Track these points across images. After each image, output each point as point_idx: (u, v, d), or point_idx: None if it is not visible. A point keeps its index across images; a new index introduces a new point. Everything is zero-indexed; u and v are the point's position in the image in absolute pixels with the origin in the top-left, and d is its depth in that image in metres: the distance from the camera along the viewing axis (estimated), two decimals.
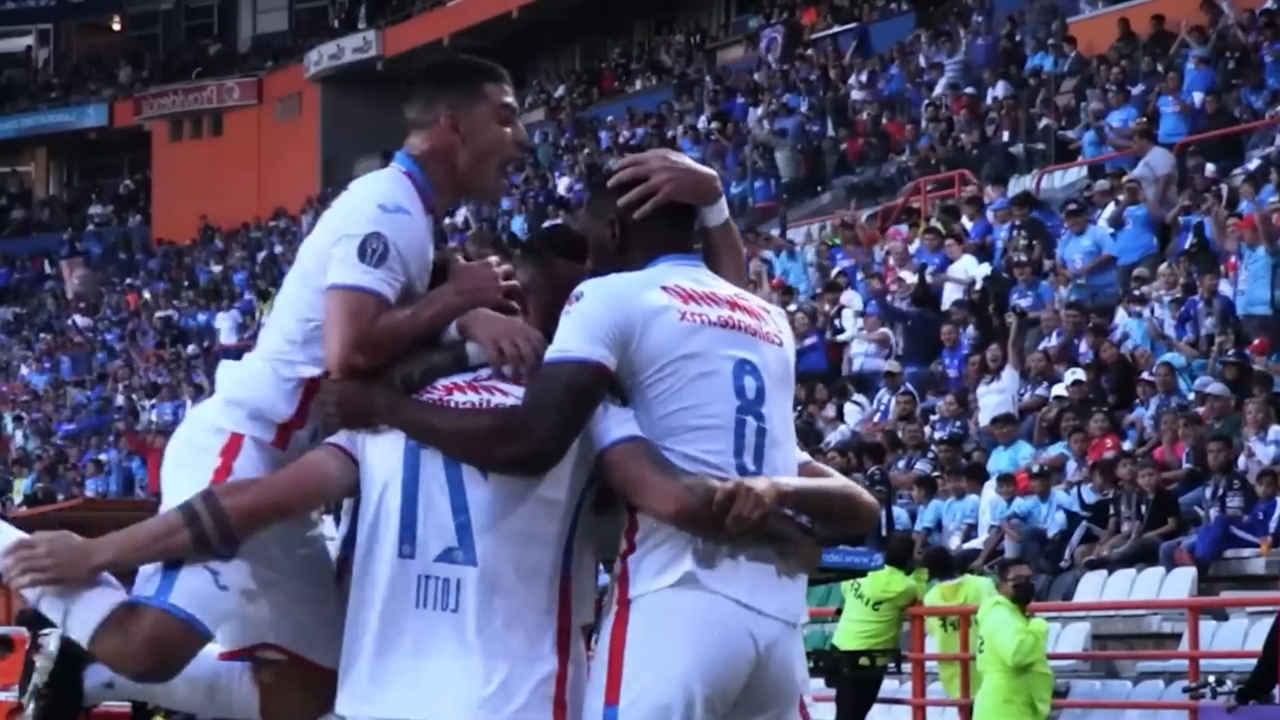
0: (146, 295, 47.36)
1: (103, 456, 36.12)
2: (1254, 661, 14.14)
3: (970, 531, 18.82)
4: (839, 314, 24.28)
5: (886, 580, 16.01)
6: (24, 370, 45.41)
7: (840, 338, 24.01)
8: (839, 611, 16.30)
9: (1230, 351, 18.62)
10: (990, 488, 18.81)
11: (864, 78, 33.93)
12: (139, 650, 4.51)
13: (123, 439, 36.11)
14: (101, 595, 4.57)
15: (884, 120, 32.07)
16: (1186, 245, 20.94)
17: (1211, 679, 14.57)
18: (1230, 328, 19.05)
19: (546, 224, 35.22)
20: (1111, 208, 22.14)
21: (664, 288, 4.46)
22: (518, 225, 37.01)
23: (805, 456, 4.65)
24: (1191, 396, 18.45)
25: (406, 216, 4.57)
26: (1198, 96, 24.55)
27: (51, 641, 4.85)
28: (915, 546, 17.78)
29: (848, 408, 22.64)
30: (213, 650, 4.77)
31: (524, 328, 4.50)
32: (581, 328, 4.37)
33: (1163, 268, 20.61)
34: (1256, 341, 18.88)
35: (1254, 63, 25.35)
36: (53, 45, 61.68)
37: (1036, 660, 13.75)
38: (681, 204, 4.63)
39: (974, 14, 33.18)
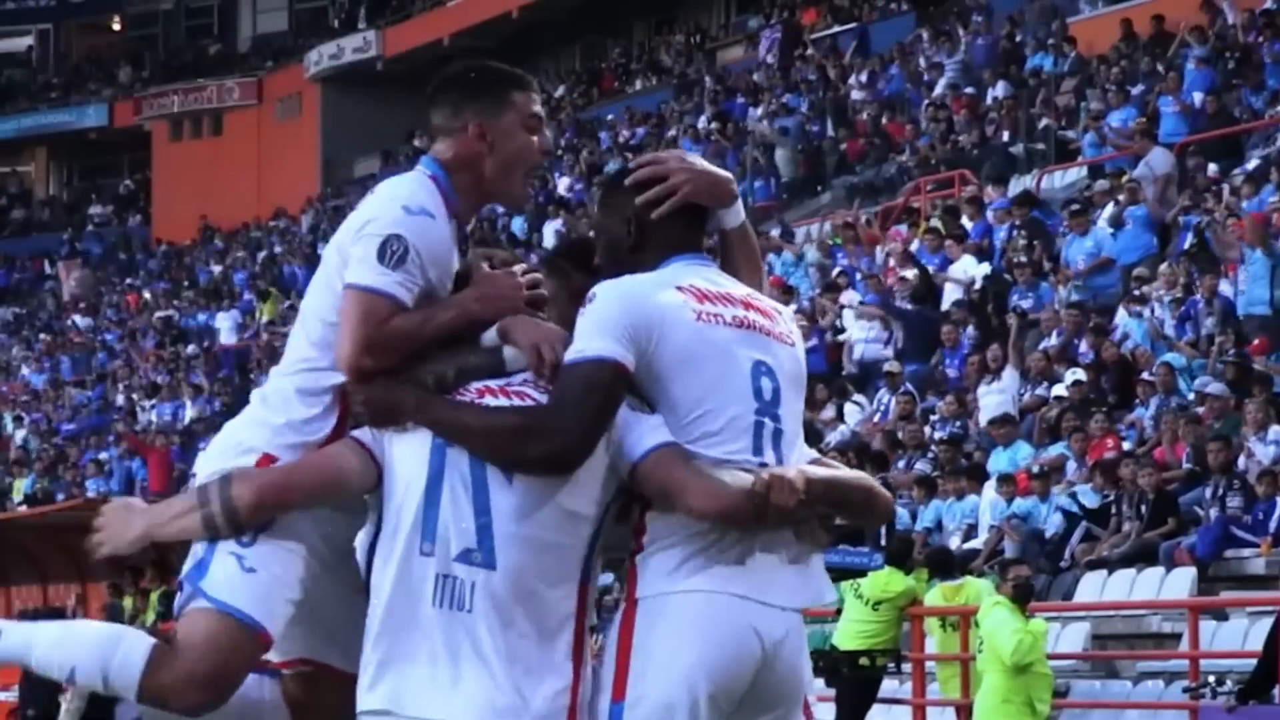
0: (146, 295, 47.35)
1: (103, 456, 36.12)
2: (1254, 661, 14.13)
3: (970, 532, 18.81)
4: (840, 314, 24.30)
5: (886, 580, 16.01)
6: (24, 370, 45.41)
7: (840, 338, 24.02)
8: (839, 611, 16.30)
9: (1230, 351, 18.62)
10: (990, 488, 18.81)
11: (864, 78, 33.93)
12: (197, 663, 4.50)
13: (123, 439, 36.11)
14: (135, 641, 4.58)
15: (884, 120, 32.07)
16: (1186, 245, 20.95)
17: (1211, 679, 14.57)
18: (1230, 328, 19.05)
19: (551, 227, 35.25)
20: (1111, 208, 22.14)
21: (679, 287, 4.47)
22: (518, 225, 37.02)
23: (813, 454, 4.67)
24: (1191, 396, 18.44)
25: (430, 219, 4.55)
26: (1198, 96, 24.55)
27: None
28: (915, 546, 17.77)
29: (848, 408, 22.64)
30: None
31: (564, 335, 4.48)
32: (596, 327, 4.37)
33: (1163, 268, 20.62)
34: (1256, 341, 18.88)
35: (1254, 63, 25.37)
36: (53, 45, 61.68)
37: (1035, 660, 13.75)
38: (696, 205, 4.65)
39: (974, 14, 33.18)
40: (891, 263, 24.62)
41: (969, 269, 23.09)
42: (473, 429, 4.39)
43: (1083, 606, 16.87)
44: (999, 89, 29.53)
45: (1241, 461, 17.10)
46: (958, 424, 20.86)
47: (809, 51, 37.98)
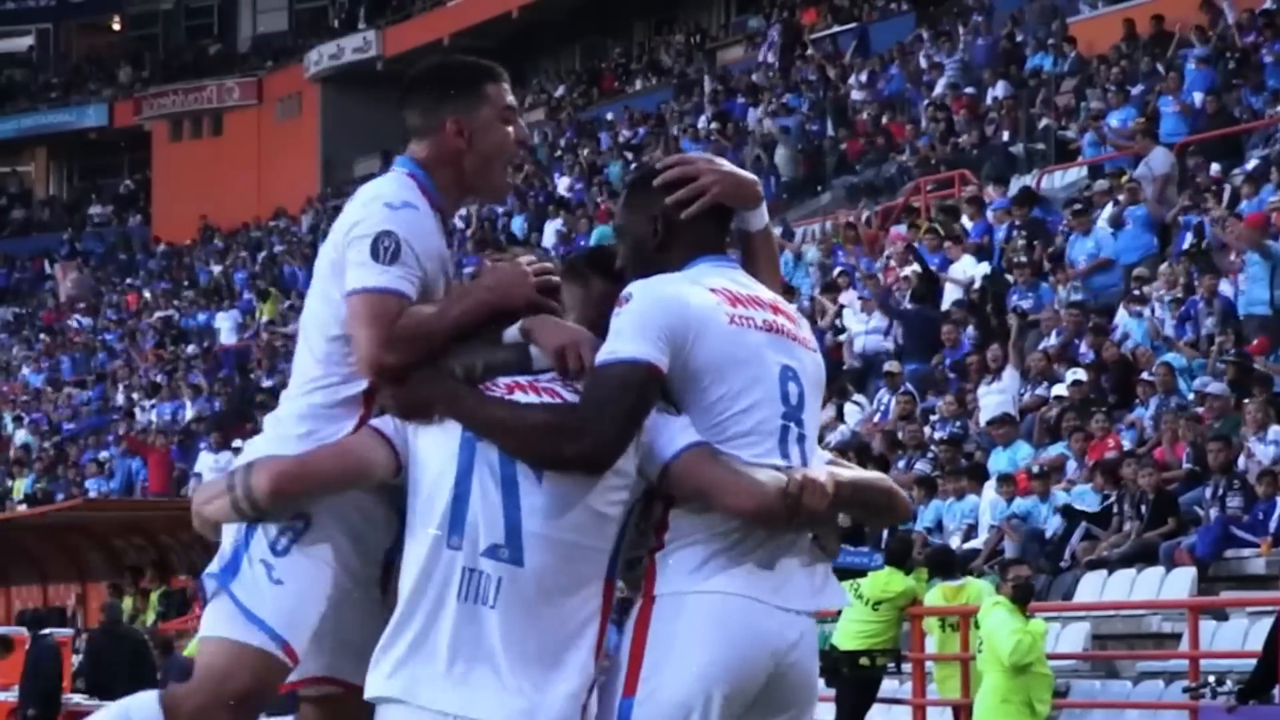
0: (146, 295, 47.35)
1: (103, 456, 36.11)
2: (1254, 661, 14.13)
3: (970, 532, 18.81)
4: (840, 313, 24.29)
5: (886, 580, 16.01)
6: (24, 370, 45.41)
7: (841, 337, 24.01)
8: (839, 611, 16.30)
9: (1230, 351, 18.63)
10: (990, 488, 18.81)
11: (864, 78, 33.95)
12: (224, 684, 4.48)
13: (123, 439, 36.11)
14: (140, 704, 4.56)
15: (884, 120, 32.07)
16: (1186, 245, 20.95)
17: (1211, 679, 14.57)
18: (1230, 328, 19.05)
19: (551, 227, 35.23)
20: (1111, 208, 22.14)
21: (711, 289, 4.47)
22: (518, 225, 37.01)
23: (828, 455, 4.70)
24: (1191, 396, 18.45)
25: (414, 211, 4.54)
26: (1198, 96, 24.56)
27: None
28: (915, 546, 17.77)
29: (848, 408, 22.64)
30: None
31: (590, 338, 4.46)
32: (633, 328, 4.37)
33: (1163, 268, 20.62)
34: (1256, 341, 18.88)
35: (1254, 63, 25.37)
36: (53, 45, 61.69)
37: (1035, 660, 13.76)
38: (723, 206, 4.66)
39: (974, 14, 33.20)
40: (892, 263, 24.62)
41: (969, 269, 23.10)
42: (505, 425, 4.38)
43: (1083, 606, 16.86)
44: (999, 89, 29.54)
45: (1241, 461, 17.10)
46: (958, 424, 20.87)
47: (809, 51, 37.99)
